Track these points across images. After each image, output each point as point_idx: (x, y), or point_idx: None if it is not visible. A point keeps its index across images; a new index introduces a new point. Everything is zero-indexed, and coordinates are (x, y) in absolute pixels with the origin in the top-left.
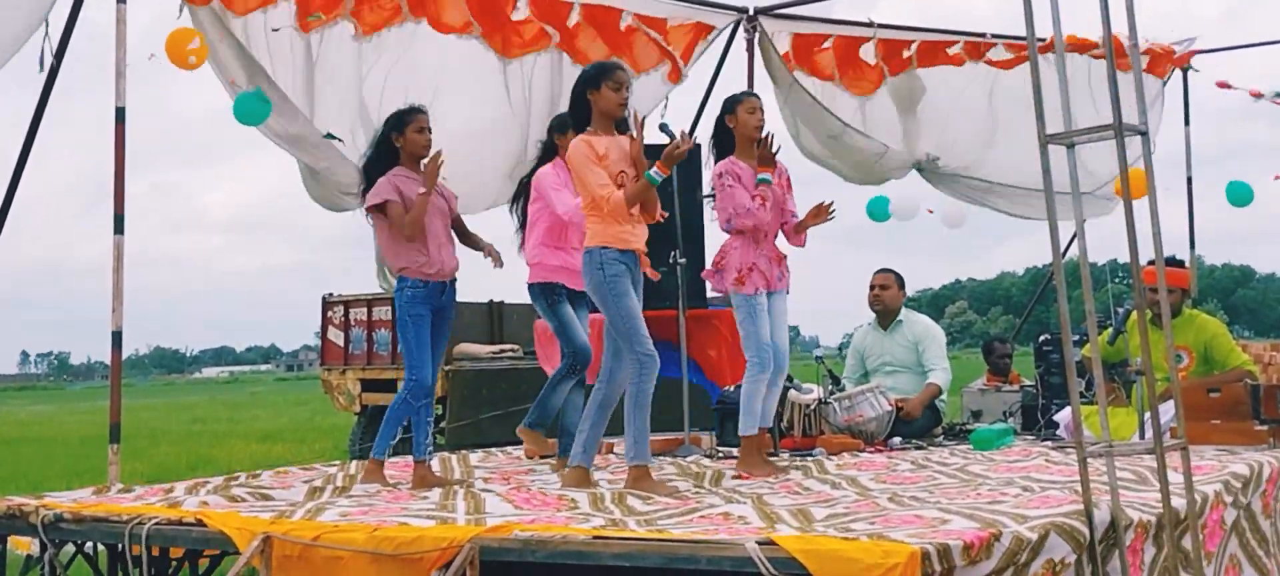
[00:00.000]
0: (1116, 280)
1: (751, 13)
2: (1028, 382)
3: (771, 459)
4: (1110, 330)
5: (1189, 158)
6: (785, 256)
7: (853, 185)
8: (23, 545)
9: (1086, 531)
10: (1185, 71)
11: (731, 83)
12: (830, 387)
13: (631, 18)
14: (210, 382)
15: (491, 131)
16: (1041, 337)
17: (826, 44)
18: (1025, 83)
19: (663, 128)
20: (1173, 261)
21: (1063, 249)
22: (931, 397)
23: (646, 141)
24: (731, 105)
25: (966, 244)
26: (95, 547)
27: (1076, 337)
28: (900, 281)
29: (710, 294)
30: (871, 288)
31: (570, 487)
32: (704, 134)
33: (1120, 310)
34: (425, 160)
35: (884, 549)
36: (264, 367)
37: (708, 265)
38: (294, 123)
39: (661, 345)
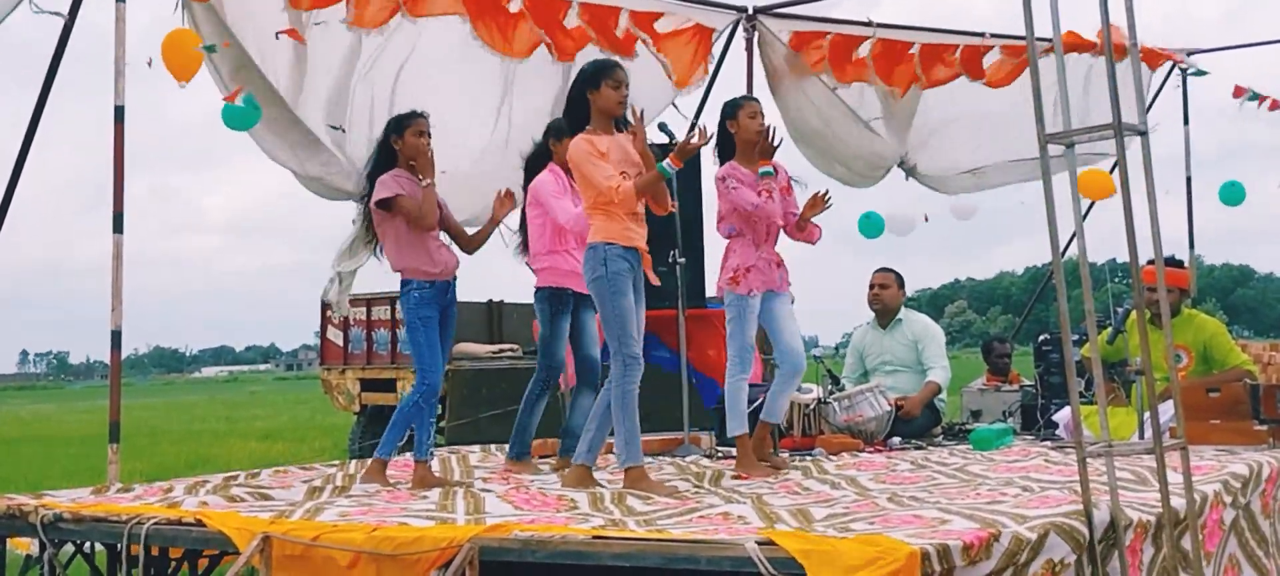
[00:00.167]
0: (1116, 280)
1: (751, 12)
2: (1027, 382)
3: (772, 457)
4: (1109, 330)
5: (1188, 158)
6: (783, 261)
7: (851, 187)
8: (22, 545)
9: (1086, 531)
10: (1185, 73)
11: (731, 82)
12: (829, 387)
13: (629, 21)
14: (209, 382)
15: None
16: (1041, 337)
17: (824, 43)
18: (1016, 95)
19: (662, 127)
20: (1172, 261)
21: (1062, 248)
22: (931, 396)
23: (647, 142)
24: (732, 110)
25: (966, 244)
26: (94, 547)
27: (1076, 337)
28: (899, 281)
29: (710, 294)
30: (871, 287)
31: (571, 487)
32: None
33: (1120, 310)
34: (417, 167)
35: (883, 549)
36: (263, 367)
37: (708, 264)
38: (291, 128)
39: (661, 345)
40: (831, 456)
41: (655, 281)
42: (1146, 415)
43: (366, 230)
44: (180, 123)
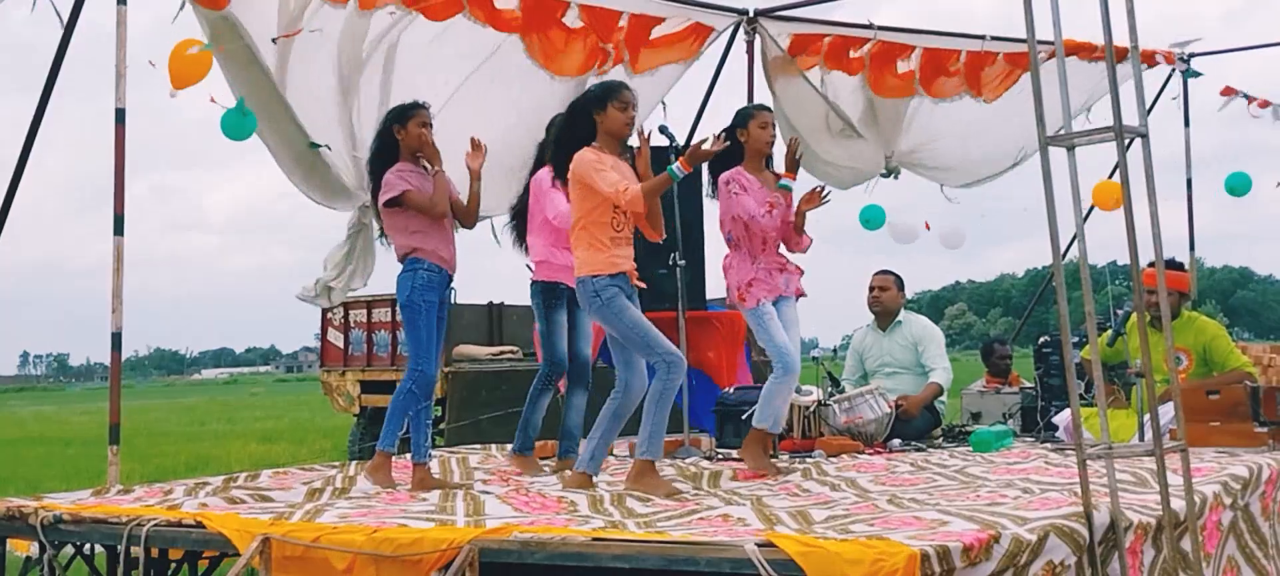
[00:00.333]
0: (1116, 282)
1: (751, 15)
2: (1027, 384)
3: (772, 460)
4: (1110, 332)
5: (1189, 159)
6: (788, 263)
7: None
8: (22, 546)
9: (1086, 533)
10: (1185, 74)
11: (730, 83)
12: (829, 389)
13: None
14: (210, 384)
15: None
16: (1041, 339)
17: (823, 45)
18: (1007, 104)
19: (663, 130)
20: (1172, 264)
21: (1062, 251)
22: (933, 397)
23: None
24: (744, 118)
25: (966, 246)
26: (94, 549)
27: (1076, 339)
28: (899, 282)
29: (710, 296)
30: (870, 289)
31: (571, 491)
32: (703, 136)
33: (1120, 312)
34: (422, 156)
35: (883, 551)
36: (263, 369)
37: (708, 267)
38: (291, 133)
39: None
40: (831, 458)
41: (642, 285)
42: (1146, 417)
43: (353, 246)
44: (182, 120)
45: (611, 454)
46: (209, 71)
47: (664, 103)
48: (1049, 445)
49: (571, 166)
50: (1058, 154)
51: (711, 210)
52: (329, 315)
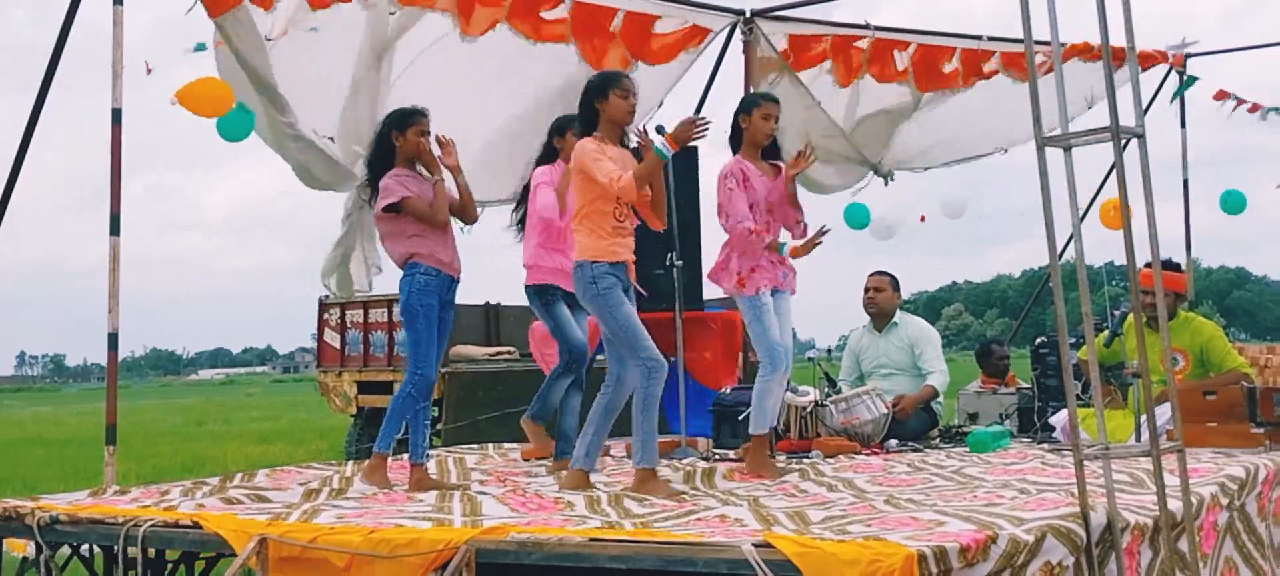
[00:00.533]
0: (1113, 283)
1: (748, 15)
2: (1024, 385)
3: (771, 460)
4: (1106, 332)
5: (1185, 161)
6: (785, 260)
7: (826, 193)
8: (18, 547)
9: (1083, 534)
10: (1182, 86)
11: (728, 84)
12: (826, 390)
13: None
14: (206, 384)
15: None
16: (1038, 340)
17: (821, 46)
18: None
19: (660, 130)
20: (1169, 264)
21: (1059, 251)
22: (928, 398)
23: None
24: (748, 106)
25: (962, 246)
26: (91, 549)
27: (1073, 340)
28: (895, 283)
29: (707, 295)
30: (866, 290)
31: (568, 491)
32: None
33: (1117, 312)
34: (419, 164)
35: (880, 551)
36: (260, 369)
37: (706, 267)
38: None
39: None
40: (828, 459)
41: (643, 292)
42: (1143, 418)
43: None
44: (179, 119)
45: (609, 454)
46: (234, 102)
47: (661, 103)
48: (1046, 446)
49: (573, 156)
50: (1055, 154)
51: (710, 210)
52: (325, 315)
